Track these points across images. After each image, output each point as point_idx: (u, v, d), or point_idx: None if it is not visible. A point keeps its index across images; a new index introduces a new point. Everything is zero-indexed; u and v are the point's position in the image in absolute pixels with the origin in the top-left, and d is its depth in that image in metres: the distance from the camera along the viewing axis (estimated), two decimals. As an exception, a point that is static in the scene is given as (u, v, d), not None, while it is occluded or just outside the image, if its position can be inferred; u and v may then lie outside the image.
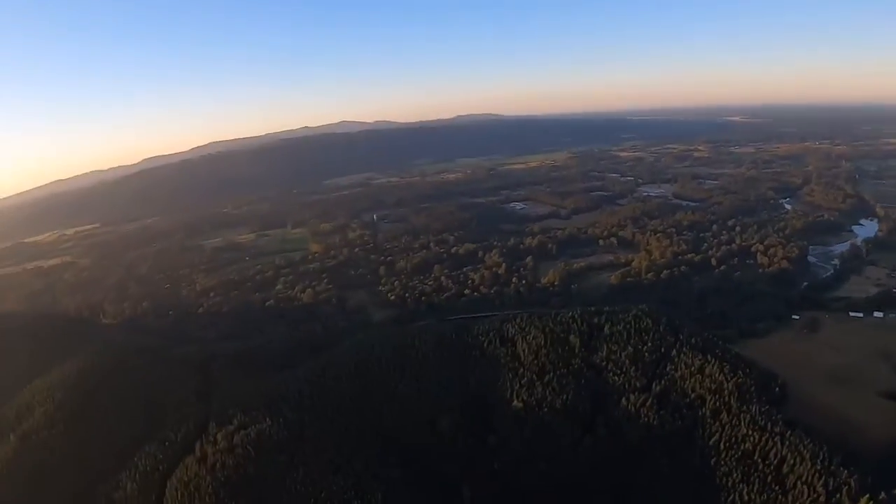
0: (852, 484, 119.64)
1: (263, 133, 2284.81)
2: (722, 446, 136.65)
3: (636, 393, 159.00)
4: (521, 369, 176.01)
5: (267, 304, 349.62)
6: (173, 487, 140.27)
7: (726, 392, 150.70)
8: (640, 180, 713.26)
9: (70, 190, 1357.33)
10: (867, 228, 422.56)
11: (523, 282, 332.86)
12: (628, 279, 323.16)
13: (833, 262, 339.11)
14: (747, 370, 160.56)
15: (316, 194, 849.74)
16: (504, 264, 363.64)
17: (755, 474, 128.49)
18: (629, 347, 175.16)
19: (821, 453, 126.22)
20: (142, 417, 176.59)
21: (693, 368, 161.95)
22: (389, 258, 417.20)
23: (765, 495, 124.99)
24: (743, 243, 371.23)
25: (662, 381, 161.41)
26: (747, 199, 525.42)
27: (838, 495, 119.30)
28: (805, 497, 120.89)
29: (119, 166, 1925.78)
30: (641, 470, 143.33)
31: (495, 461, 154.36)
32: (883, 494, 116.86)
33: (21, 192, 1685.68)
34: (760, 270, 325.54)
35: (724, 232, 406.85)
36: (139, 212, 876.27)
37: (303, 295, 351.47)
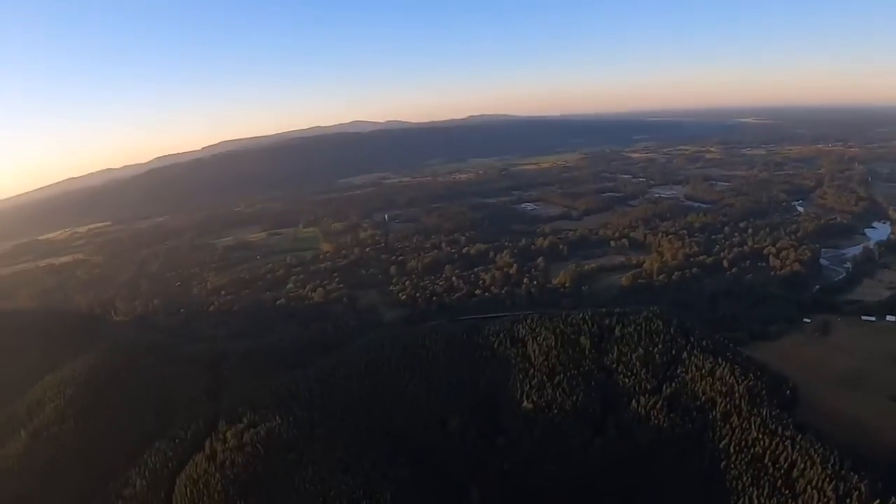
0: (863, 489, 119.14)
1: (275, 132, 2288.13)
2: (732, 450, 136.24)
3: (646, 395, 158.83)
4: (532, 370, 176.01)
5: (278, 302, 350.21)
6: (182, 484, 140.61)
7: (737, 395, 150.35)
8: (652, 181, 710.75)
9: (83, 188, 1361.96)
10: (880, 231, 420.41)
11: (534, 283, 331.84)
12: (639, 281, 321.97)
13: (845, 266, 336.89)
14: (758, 373, 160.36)
15: (328, 194, 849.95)
16: (515, 265, 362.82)
17: (765, 478, 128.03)
18: (640, 349, 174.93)
19: (831, 458, 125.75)
20: (152, 414, 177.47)
21: (704, 371, 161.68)
22: (400, 258, 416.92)
23: (774, 500, 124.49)
24: (755, 245, 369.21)
25: (673, 384, 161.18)
26: (759, 201, 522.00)
27: (848, 500, 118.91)
28: (815, 502, 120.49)
29: (131, 165, 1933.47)
30: (651, 472, 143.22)
31: (505, 462, 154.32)
32: (893, 499, 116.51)
33: (34, 190, 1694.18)
34: (772, 273, 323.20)
35: (735, 234, 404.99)
36: (151, 210, 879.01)
37: (314, 294, 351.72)
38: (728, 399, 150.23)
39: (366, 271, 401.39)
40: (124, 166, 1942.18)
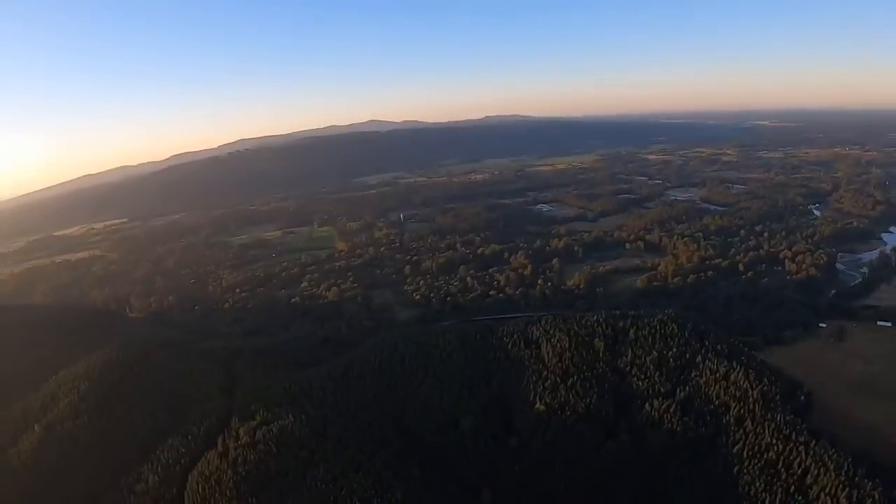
0: (876, 496, 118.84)
1: (292, 131, 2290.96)
2: (745, 454, 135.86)
3: (660, 398, 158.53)
4: (545, 372, 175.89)
5: (292, 301, 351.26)
6: (194, 481, 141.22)
7: (751, 400, 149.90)
8: (668, 184, 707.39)
9: (99, 184, 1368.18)
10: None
11: (549, 284, 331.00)
12: (654, 283, 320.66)
13: (862, 270, 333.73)
14: (773, 378, 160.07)
15: (343, 193, 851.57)
16: (530, 266, 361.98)
17: (778, 484, 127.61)
18: (654, 352, 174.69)
19: (845, 464, 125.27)
20: (165, 411, 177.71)
21: (718, 375, 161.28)
22: (415, 258, 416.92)
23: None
24: (771, 249, 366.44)
25: (687, 387, 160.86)
26: (776, 204, 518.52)
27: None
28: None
29: (148, 162, 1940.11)
30: (663, 476, 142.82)
31: (516, 463, 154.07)
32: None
33: (51, 186, 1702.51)
34: (788, 277, 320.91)
35: (751, 237, 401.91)
36: (167, 207, 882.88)
37: (328, 293, 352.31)
38: (742, 404, 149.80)
39: (380, 271, 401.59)
40: (141, 164, 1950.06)
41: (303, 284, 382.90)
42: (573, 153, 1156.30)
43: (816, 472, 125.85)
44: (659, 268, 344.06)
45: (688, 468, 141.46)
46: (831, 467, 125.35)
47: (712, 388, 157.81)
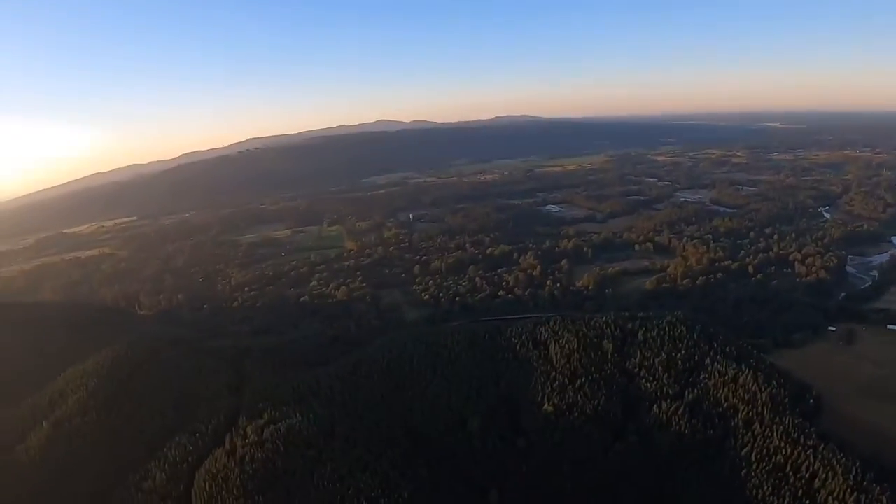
0: (885, 501, 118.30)
1: (301, 130, 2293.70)
2: (753, 458, 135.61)
3: (668, 400, 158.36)
4: (553, 373, 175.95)
5: (301, 300, 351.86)
6: (202, 479, 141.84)
7: (759, 403, 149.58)
8: (678, 185, 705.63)
9: (109, 183, 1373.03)
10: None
11: (558, 285, 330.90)
12: (663, 285, 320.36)
13: (872, 274, 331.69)
14: (781, 381, 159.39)
15: (352, 192, 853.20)
16: (539, 267, 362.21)
17: (786, 488, 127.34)
18: (662, 354, 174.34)
19: (853, 468, 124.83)
20: (173, 408, 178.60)
21: (726, 377, 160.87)
22: (424, 258, 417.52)
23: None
24: (780, 252, 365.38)
25: (695, 390, 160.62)
26: (785, 206, 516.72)
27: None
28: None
29: (158, 161, 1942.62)
30: (671, 478, 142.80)
31: (524, 464, 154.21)
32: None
33: (62, 184, 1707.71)
34: (798, 280, 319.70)
35: (761, 239, 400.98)
36: (177, 206, 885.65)
37: (337, 292, 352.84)
38: (750, 406, 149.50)
39: (389, 270, 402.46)
40: (151, 162, 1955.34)
41: (312, 283, 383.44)
42: (583, 154, 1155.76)
43: (825, 475, 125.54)
44: (668, 269, 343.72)
45: (696, 470, 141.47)
46: (839, 471, 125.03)
47: (721, 391, 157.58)
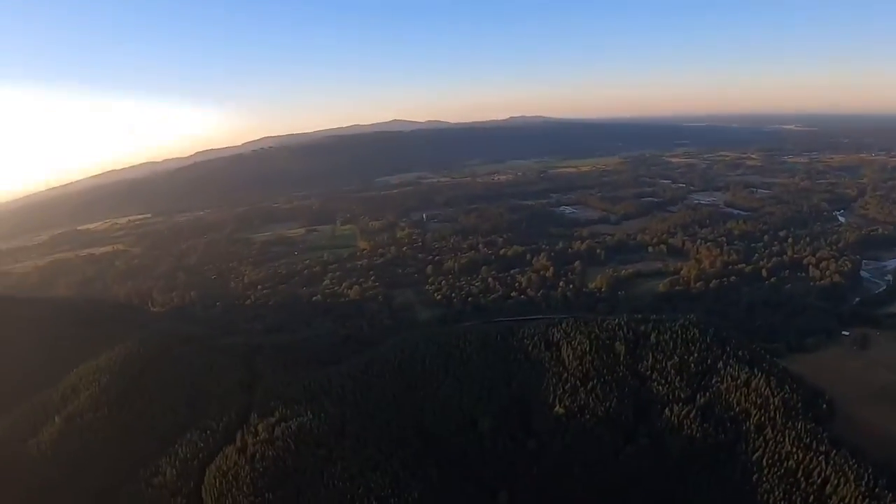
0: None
1: (315, 130, 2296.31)
2: (765, 463, 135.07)
3: (680, 404, 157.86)
4: (565, 375, 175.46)
5: (314, 298, 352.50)
6: (212, 475, 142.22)
7: (772, 407, 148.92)
8: (692, 187, 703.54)
9: (124, 180, 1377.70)
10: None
11: (570, 286, 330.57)
12: (676, 288, 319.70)
13: (886, 278, 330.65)
14: (794, 385, 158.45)
15: (366, 192, 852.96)
16: (552, 268, 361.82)
17: (797, 493, 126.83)
18: (675, 357, 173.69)
19: (866, 475, 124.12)
20: (184, 405, 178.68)
21: (739, 381, 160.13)
22: (437, 258, 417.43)
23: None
24: (794, 255, 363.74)
25: (707, 393, 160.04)
26: (800, 210, 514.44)
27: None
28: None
29: (172, 158, 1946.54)
30: (682, 482, 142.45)
31: (535, 466, 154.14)
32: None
33: (76, 181, 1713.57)
34: (811, 284, 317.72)
35: (775, 243, 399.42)
36: (190, 203, 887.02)
37: (350, 291, 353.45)
38: (763, 411, 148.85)
39: (402, 270, 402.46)
40: (165, 160, 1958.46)
41: (324, 282, 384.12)
42: (596, 155, 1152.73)
43: (836, 481, 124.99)
44: (681, 272, 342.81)
45: (707, 475, 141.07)
46: (851, 478, 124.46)
47: (733, 395, 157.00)
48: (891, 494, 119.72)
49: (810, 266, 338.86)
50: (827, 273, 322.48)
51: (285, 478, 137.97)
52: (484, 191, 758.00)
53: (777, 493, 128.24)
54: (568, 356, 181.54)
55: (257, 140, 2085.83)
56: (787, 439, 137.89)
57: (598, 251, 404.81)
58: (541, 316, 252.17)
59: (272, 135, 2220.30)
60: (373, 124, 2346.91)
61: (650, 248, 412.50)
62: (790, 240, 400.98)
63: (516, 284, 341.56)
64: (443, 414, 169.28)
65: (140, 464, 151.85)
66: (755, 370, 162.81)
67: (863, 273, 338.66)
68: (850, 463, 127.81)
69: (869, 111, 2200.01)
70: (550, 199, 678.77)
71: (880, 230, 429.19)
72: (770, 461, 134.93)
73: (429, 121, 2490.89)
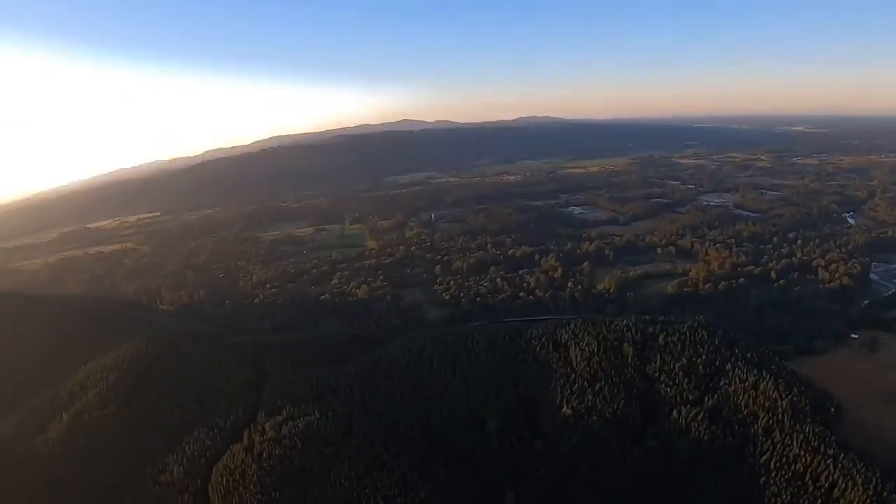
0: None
1: (324, 129, 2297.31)
2: (772, 466, 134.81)
3: (688, 406, 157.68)
4: (573, 376, 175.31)
5: (322, 297, 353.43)
6: (219, 473, 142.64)
7: (780, 410, 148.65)
8: (701, 188, 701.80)
9: (133, 178, 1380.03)
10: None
11: (579, 287, 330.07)
12: (685, 289, 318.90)
13: (895, 281, 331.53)
14: (803, 388, 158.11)
15: (374, 191, 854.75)
16: (560, 268, 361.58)
17: (805, 497, 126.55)
18: (683, 359, 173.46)
19: (874, 479, 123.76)
20: (192, 403, 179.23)
21: (747, 384, 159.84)
22: (446, 258, 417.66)
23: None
24: (804, 257, 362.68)
25: (715, 396, 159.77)
26: (809, 211, 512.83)
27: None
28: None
29: (181, 157, 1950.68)
30: (689, 484, 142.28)
31: (541, 467, 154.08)
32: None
33: (84, 179, 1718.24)
34: (821, 286, 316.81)
35: (784, 245, 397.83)
36: (199, 202, 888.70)
37: (358, 291, 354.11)
38: (771, 414, 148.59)
39: (410, 270, 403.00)
40: (174, 159, 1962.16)
41: (333, 281, 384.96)
42: (605, 156, 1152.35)
43: (844, 485, 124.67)
44: (690, 273, 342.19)
45: (714, 477, 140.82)
46: (859, 482, 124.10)
47: (741, 397, 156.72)
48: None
49: (819, 268, 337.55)
50: (836, 275, 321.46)
51: (292, 476, 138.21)
52: (493, 191, 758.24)
53: (785, 496, 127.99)
54: (576, 357, 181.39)
55: (266, 139, 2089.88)
56: (795, 442, 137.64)
57: (606, 252, 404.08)
58: (549, 317, 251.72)
59: (281, 134, 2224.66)
60: (382, 124, 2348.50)
61: (659, 250, 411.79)
62: (799, 242, 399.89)
63: (525, 285, 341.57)
64: (450, 414, 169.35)
65: (147, 461, 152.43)
66: (763, 373, 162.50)
67: (872, 275, 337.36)
68: (859, 467, 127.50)
69: (879, 113, 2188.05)
70: (559, 200, 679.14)
71: (890, 232, 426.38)
72: (778, 464, 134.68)
73: (438, 121, 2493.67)
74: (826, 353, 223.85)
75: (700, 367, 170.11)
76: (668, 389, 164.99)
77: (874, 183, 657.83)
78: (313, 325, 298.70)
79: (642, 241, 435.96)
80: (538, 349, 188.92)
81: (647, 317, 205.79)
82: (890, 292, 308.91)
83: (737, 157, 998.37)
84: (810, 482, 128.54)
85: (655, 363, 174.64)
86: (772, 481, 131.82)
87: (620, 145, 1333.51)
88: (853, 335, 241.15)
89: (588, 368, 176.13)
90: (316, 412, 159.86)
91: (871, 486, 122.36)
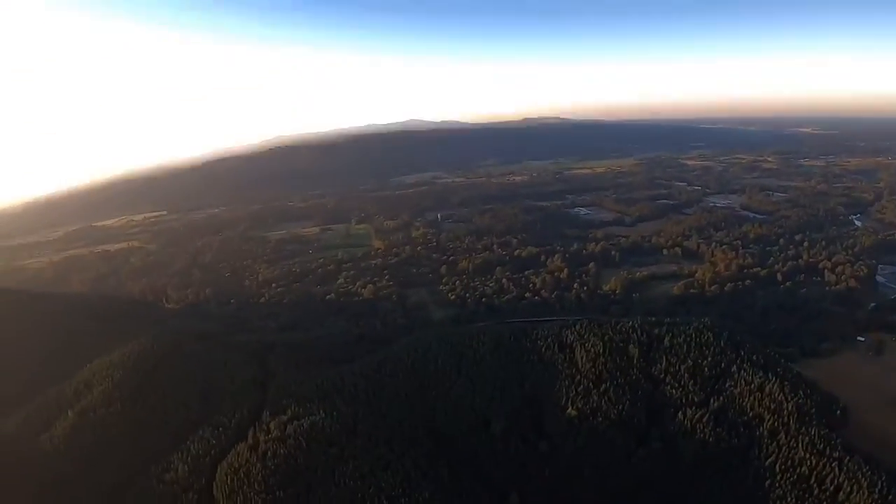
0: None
1: (330, 129, 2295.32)
2: (778, 468, 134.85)
3: (693, 408, 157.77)
4: (578, 377, 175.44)
5: (328, 297, 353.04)
6: (224, 472, 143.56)
7: (785, 412, 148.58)
8: (707, 190, 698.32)
9: (139, 177, 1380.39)
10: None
11: (584, 288, 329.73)
12: (691, 291, 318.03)
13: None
14: (808, 391, 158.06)
15: (381, 191, 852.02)
16: (566, 269, 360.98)
17: (810, 499, 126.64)
18: (688, 361, 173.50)
19: (879, 482, 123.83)
20: (197, 401, 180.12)
21: (753, 386, 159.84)
22: (452, 258, 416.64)
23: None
24: (810, 259, 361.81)
25: (720, 398, 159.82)
26: (816, 213, 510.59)
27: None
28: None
29: (188, 156, 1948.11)
30: (694, 486, 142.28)
31: (546, 468, 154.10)
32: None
33: (91, 178, 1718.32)
34: (827, 288, 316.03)
35: (791, 247, 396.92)
36: (206, 201, 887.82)
37: (364, 290, 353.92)
38: (776, 416, 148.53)
39: (416, 270, 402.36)
40: (180, 159, 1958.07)
41: (339, 281, 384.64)
42: (612, 157, 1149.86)
43: (849, 488, 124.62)
44: (696, 275, 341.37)
45: (719, 479, 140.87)
46: (864, 485, 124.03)
47: (746, 399, 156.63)
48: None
49: (826, 270, 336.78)
50: (842, 278, 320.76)
51: (297, 476, 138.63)
52: (499, 191, 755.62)
53: (790, 498, 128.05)
54: (581, 358, 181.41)
55: (272, 139, 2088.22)
56: (800, 445, 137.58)
57: (612, 253, 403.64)
58: (554, 317, 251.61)
59: (288, 133, 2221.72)
60: (388, 124, 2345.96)
61: (665, 251, 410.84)
62: (806, 244, 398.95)
63: (530, 285, 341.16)
64: (455, 414, 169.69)
65: (152, 459, 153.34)
66: (769, 375, 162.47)
67: (879, 278, 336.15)
68: (864, 470, 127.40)
69: (886, 115, 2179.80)
70: (565, 201, 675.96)
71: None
72: (783, 467, 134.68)
73: (444, 121, 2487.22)
74: (832, 356, 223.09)
75: (706, 368, 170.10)
76: (674, 391, 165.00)
77: (881, 185, 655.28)
78: (319, 324, 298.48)
79: (648, 243, 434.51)
80: (543, 350, 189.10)
81: (653, 318, 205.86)
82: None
83: (743, 159, 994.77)
84: (815, 485, 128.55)
85: (661, 364, 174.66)
86: (777, 484, 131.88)
87: (627, 146, 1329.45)
88: (859, 338, 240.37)
89: (593, 369, 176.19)
90: (321, 412, 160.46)
91: (877, 490, 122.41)
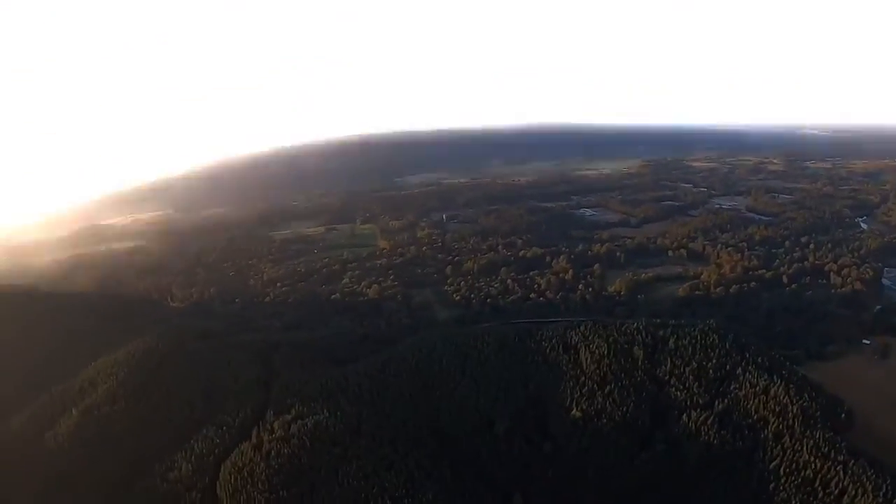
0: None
1: (335, 130, 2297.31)
2: (782, 471, 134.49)
3: (698, 410, 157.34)
4: (583, 378, 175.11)
5: (333, 297, 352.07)
6: (227, 471, 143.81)
7: (790, 415, 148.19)
8: (713, 192, 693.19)
9: (145, 177, 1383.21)
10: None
11: (589, 289, 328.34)
12: (696, 292, 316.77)
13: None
14: (813, 394, 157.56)
15: (386, 191, 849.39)
16: (571, 270, 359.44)
17: (814, 503, 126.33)
18: (693, 363, 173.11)
19: (884, 486, 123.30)
20: (201, 400, 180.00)
21: (757, 388, 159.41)
22: (457, 258, 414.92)
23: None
24: (816, 262, 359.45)
25: (725, 400, 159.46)
26: (822, 216, 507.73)
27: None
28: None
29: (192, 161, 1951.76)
30: (698, 489, 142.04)
31: (550, 469, 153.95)
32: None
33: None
34: (833, 291, 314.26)
35: (796, 249, 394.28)
36: (211, 201, 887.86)
37: (368, 290, 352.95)
38: (781, 419, 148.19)
39: (421, 270, 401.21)
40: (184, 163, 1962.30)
41: (343, 281, 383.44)
42: (617, 158, 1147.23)
43: (854, 492, 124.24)
44: (701, 277, 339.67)
45: (723, 482, 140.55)
46: (869, 489, 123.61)
47: (751, 402, 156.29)
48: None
49: (831, 273, 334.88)
50: (848, 280, 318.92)
51: (300, 475, 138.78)
52: (504, 192, 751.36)
53: (794, 501, 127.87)
54: (586, 359, 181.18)
55: (276, 147, 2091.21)
56: (805, 448, 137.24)
57: (617, 254, 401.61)
58: (559, 318, 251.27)
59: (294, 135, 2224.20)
60: (393, 125, 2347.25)
61: (670, 252, 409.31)
62: (811, 246, 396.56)
63: (535, 286, 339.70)
64: (459, 415, 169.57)
65: (156, 458, 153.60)
66: (774, 377, 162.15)
67: (884, 281, 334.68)
68: (869, 473, 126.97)
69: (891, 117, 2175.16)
70: (570, 202, 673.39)
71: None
72: (787, 470, 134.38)
73: (449, 122, 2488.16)
74: (837, 359, 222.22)
75: (710, 370, 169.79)
76: (678, 393, 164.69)
77: (887, 187, 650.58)
78: (323, 324, 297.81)
79: (654, 244, 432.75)
80: (548, 351, 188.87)
81: (658, 320, 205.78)
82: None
83: (749, 161, 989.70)
84: (820, 488, 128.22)
85: (665, 366, 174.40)
86: (781, 487, 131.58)
87: (633, 148, 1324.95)
88: (865, 341, 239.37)
89: (598, 371, 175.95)
90: (325, 411, 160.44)
91: (881, 493, 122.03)
